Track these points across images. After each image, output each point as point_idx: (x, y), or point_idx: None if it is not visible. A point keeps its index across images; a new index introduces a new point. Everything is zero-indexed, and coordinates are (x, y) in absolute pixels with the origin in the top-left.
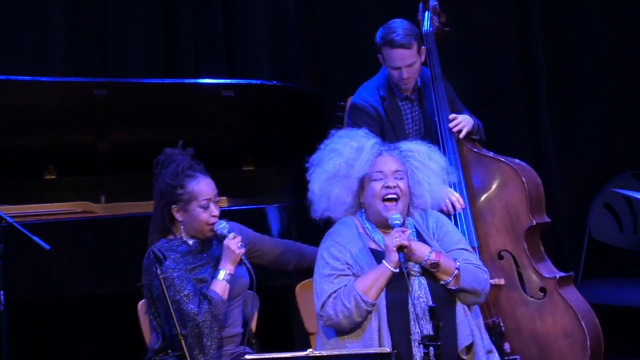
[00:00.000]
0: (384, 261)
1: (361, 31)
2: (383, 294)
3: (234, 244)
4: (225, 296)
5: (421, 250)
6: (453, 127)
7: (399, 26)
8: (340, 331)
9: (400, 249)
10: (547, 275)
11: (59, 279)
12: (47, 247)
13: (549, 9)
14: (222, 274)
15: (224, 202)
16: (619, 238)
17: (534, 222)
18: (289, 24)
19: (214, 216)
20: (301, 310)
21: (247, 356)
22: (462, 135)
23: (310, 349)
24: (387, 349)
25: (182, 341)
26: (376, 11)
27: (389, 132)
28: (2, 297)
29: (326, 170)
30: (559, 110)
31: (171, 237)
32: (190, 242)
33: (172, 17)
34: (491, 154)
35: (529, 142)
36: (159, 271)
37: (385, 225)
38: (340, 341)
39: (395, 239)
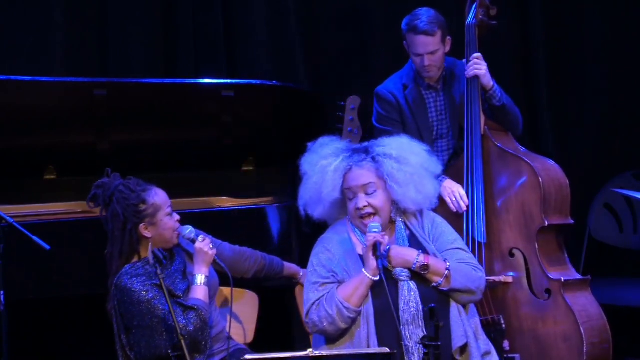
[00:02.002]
0: (363, 269)
1: (361, 31)
2: (370, 301)
3: (205, 246)
4: (207, 299)
5: (409, 254)
6: (472, 65)
7: (424, 14)
8: (329, 338)
9: (375, 249)
10: (553, 277)
11: (59, 279)
12: (47, 247)
13: (549, 9)
14: (199, 279)
15: (228, 201)
16: (619, 238)
17: (547, 223)
18: (289, 24)
19: (177, 220)
20: (301, 310)
21: (247, 356)
22: (468, 74)
23: (310, 349)
24: (387, 349)
25: (182, 341)
26: (376, 11)
27: (409, 121)
28: (2, 297)
29: (306, 190)
30: (559, 110)
31: (135, 260)
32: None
33: (172, 17)
34: (522, 149)
35: (529, 142)
36: (158, 271)
37: None
38: (330, 350)
39: (369, 246)
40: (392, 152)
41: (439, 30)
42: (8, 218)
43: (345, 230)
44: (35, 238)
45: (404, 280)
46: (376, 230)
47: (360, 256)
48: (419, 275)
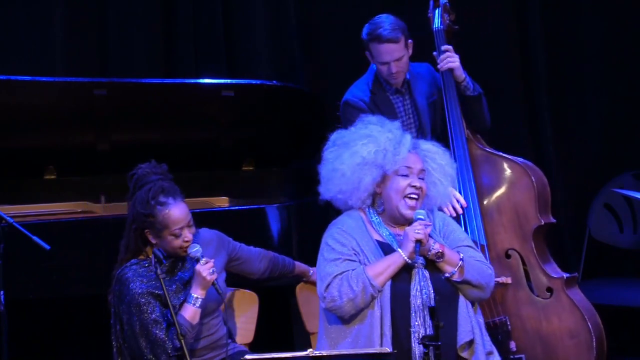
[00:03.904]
0: (399, 249)
1: (361, 31)
2: (388, 284)
3: (205, 270)
4: (196, 320)
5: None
6: (445, 58)
7: (385, 21)
8: (342, 317)
9: (418, 242)
10: (554, 275)
11: (59, 279)
12: (47, 247)
13: (549, 9)
14: (193, 299)
15: (224, 202)
16: (619, 238)
17: (542, 221)
18: (289, 24)
19: (186, 241)
20: (301, 310)
21: (247, 356)
22: (441, 68)
23: (310, 349)
24: (387, 349)
25: (182, 341)
26: (376, 11)
27: None
28: (2, 297)
29: (360, 156)
30: (559, 110)
31: (142, 257)
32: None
33: (172, 17)
34: (500, 153)
35: (529, 142)
36: (159, 271)
37: (396, 221)
38: (345, 327)
39: (417, 231)
40: (438, 150)
41: (402, 36)
42: (8, 218)
43: (360, 218)
44: (35, 238)
45: (418, 268)
46: (421, 217)
47: (378, 241)
48: (432, 265)
